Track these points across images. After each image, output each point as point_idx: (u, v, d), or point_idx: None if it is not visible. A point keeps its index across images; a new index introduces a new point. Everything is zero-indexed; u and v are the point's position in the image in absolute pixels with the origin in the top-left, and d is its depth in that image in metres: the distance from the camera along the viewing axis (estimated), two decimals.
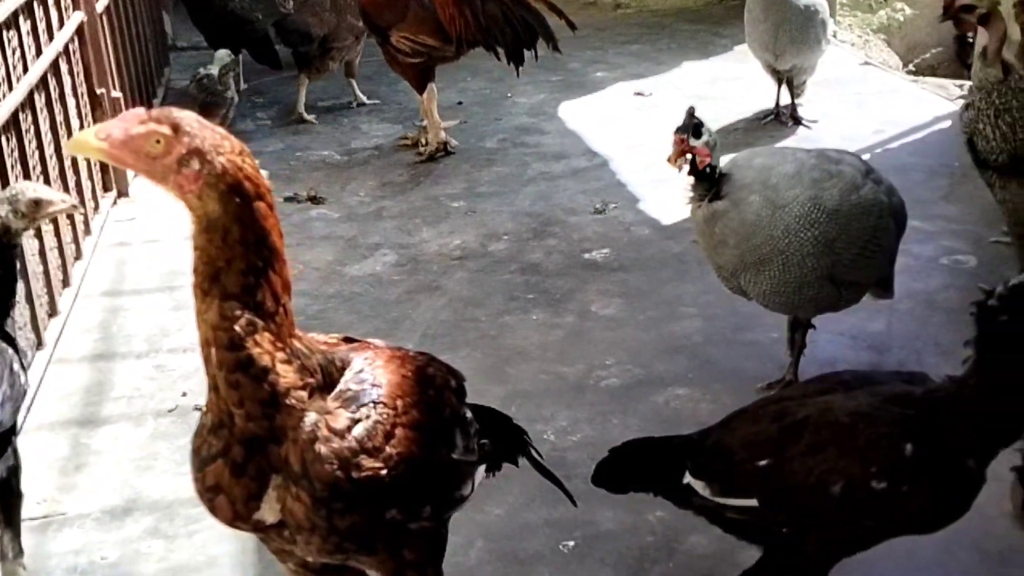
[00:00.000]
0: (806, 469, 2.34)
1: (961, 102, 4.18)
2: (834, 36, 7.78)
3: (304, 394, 1.85)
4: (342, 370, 1.96)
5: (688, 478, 2.55)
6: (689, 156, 3.27)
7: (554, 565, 2.99)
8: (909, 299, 4.22)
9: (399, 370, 2.02)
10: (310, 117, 6.79)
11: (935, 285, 4.34)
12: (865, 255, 3.40)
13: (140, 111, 1.78)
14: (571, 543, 3.06)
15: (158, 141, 1.73)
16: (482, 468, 2.32)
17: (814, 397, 2.47)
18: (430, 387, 2.08)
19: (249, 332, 1.79)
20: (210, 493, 1.91)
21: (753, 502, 2.44)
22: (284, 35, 6.80)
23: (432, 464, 2.01)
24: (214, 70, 6.16)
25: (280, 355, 1.82)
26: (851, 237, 3.35)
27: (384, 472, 1.88)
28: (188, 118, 1.77)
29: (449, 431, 2.11)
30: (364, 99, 7.02)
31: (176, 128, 1.74)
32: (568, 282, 4.59)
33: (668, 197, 4.91)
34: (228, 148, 1.77)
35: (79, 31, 5.15)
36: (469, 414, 2.25)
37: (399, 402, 1.95)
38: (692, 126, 3.25)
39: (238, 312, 1.79)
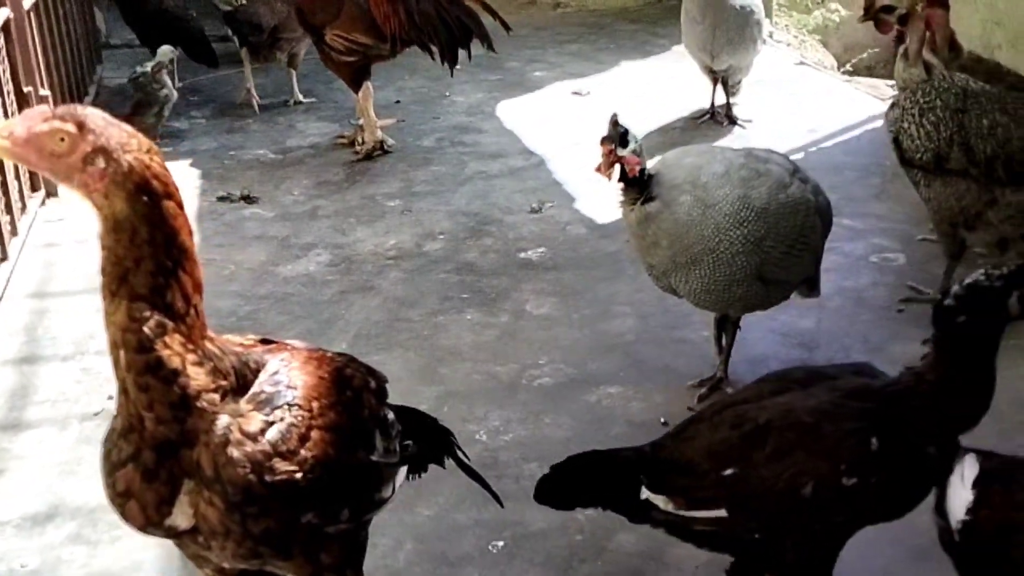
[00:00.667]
0: (774, 474, 2.31)
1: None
2: (770, 36, 7.86)
3: (216, 396, 1.82)
4: (257, 372, 1.93)
5: (646, 493, 2.47)
6: (619, 165, 3.26)
7: (483, 566, 2.98)
8: (839, 296, 4.27)
9: (316, 372, 2.00)
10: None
11: (864, 282, 4.39)
12: (793, 253, 3.43)
13: (44, 108, 1.73)
14: (500, 543, 3.05)
15: (62, 139, 1.70)
16: (404, 470, 2.30)
17: (771, 398, 2.44)
18: (348, 388, 2.06)
19: (158, 334, 1.76)
20: (121, 499, 1.87)
21: (722, 513, 2.38)
22: (235, 25, 6.78)
23: (350, 466, 1.99)
24: (152, 66, 6.09)
25: (191, 357, 1.79)
26: (779, 235, 3.38)
27: (299, 475, 1.86)
28: (94, 115, 1.73)
29: (368, 433, 2.08)
30: (301, 97, 6.97)
31: (81, 126, 1.70)
32: (503, 281, 4.58)
33: (604, 196, 4.92)
34: (135, 146, 1.74)
35: (5, 28, 5.05)
36: (391, 415, 2.23)
37: (315, 404, 1.93)
38: (619, 135, 3.24)
39: (147, 313, 1.75)
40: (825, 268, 4.33)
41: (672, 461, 2.48)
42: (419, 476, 2.60)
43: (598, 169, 3.30)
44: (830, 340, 3.97)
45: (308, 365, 2.00)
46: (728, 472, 2.36)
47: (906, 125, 3.94)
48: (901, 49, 4.05)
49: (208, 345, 1.84)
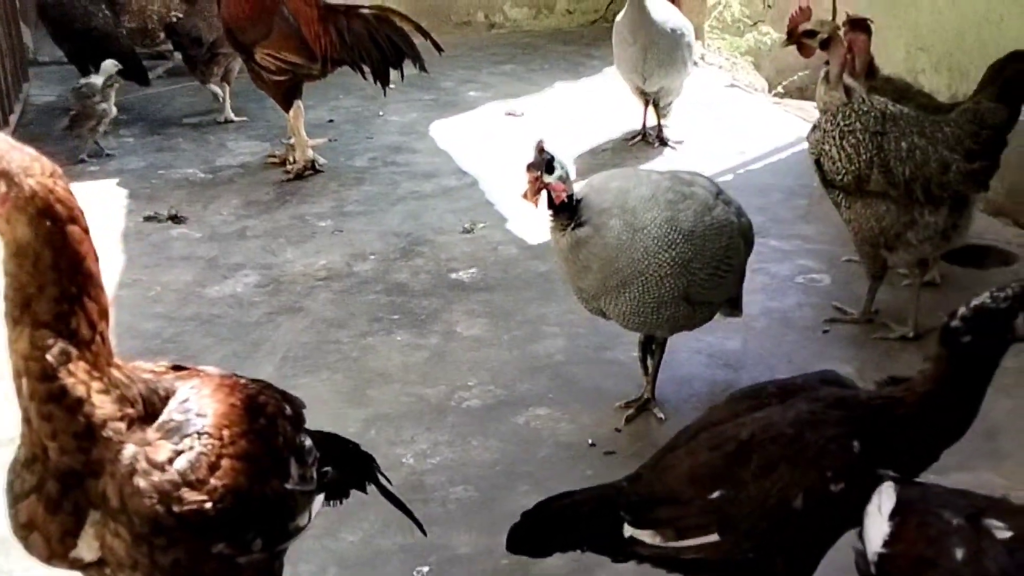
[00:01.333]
0: (763, 490, 2.29)
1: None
2: (702, 59, 7.96)
3: (122, 425, 1.78)
4: (166, 400, 1.90)
5: (630, 530, 2.41)
6: (545, 192, 3.27)
7: None
8: (765, 317, 4.31)
9: (227, 399, 1.96)
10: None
11: (790, 303, 4.44)
12: (718, 275, 3.46)
13: None
14: (426, 568, 3.02)
15: None
16: (320, 497, 2.27)
17: (747, 415, 2.42)
18: (261, 415, 2.03)
19: (62, 361, 1.72)
20: (24, 530, 1.82)
21: (714, 537, 2.34)
22: (175, 39, 6.78)
23: (262, 495, 1.95)
24: (98, 80, 6.06)
25: (96, 385, 1.75)
26: (705, 257, 3.41)
27: (209, 505, 1.82)
28: None
29: (282, 461, 2.05)
30: (232, 115, 6.90)
31: None
32: (434, 302, 4.56)
33: (536, 216, 4.93)
34: (38, 170, 1.70)
35: None
36: (308, 442, 2.20)
37: (226, 432, 1.89)
38: (544, 162, 3.24)
39: (50, 341, 1.71)
40: (752, 289, 4.40)
41: (653, 494, 2.42)
42: (341, 502, 2.57)
43: (524, 196, 3.29)
44: (755, 360, 4.01)
45: (219, 392, 1.97)
46: (716, 495, 2.32)
47: (827, 148, 4.00)
48: (822, 72, 4.12)
49: (115, 372, 1.80)
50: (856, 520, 2.32)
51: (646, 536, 2.40)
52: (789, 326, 4.27)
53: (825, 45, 4.04)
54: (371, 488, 2.66)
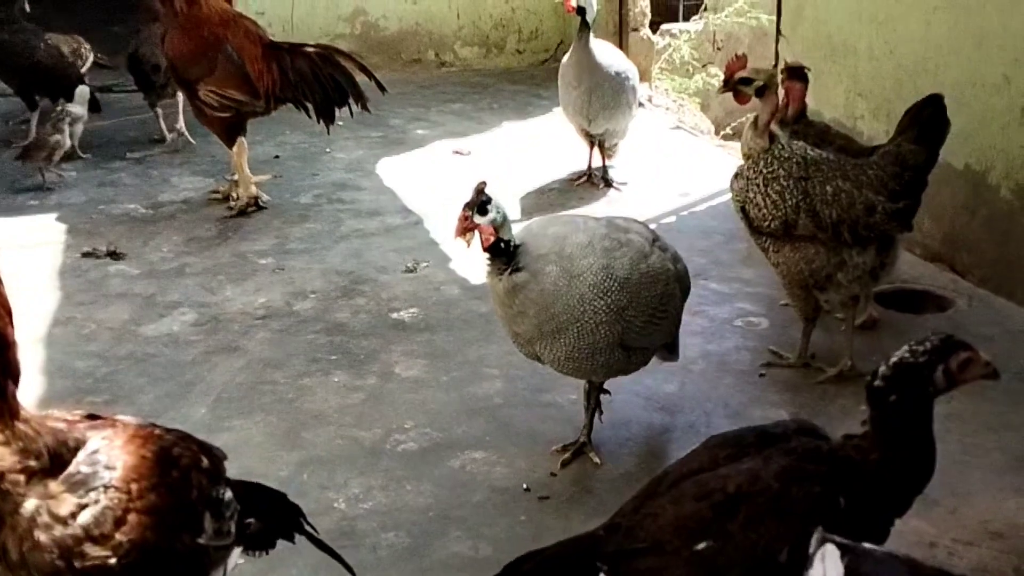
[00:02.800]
0: (750, 543, 2.27)
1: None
2: (649, 100, 8.04)
3: (21, 478, 1.74)
4: (76, 451, 1.86)
5: None
6: (475, 232, 3.27)
7: None
8: (703, 360, 4.33)
9: (139, 451, 1.92)
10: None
11: (728, 347, 4.46)
12: (653, 321, 3.47)
13: None
14: None
15: None
16: (238, 551, 2.23)
17: (731, 465, 2.39)
18: (174, 468, 1.99)
19: None
20: None
21: None
22: (137, 66, 6.78)
23: (172, 551, 1.92)
24: (78, 109, 6.28)
25: None
26: (641, 304, 3.41)
27: (112, 561, 1.78)
28: None
29: (195, 515, 2.01)
30: (168, 135, 6.94)
31: None
32: (373, 343, 4.53)
33: (479, 256, 4.94)
34: None
35: None
36: (227, 494, 2.17)
37: (134, 485, 1.86)
38: (478, 203, 3.24)
39: None
40: (691, 332, 4.43)
41: (634, 543, 2.36)
42: (266, 553, 2.54)
43: (455, 234, 3.30)
44: (692, 404, 4.01)
45: (131, 444, 1.93)
46: (701, 546, 2.29)
47: (752, 195, 4.04)
48: (751, 119, 4.16)
49: (20, 426, 1.76)
50: None
51: None
52: (726, 370, 4.28)
53: (760, 93, 4.08)
54: (293, 538, 2.61)
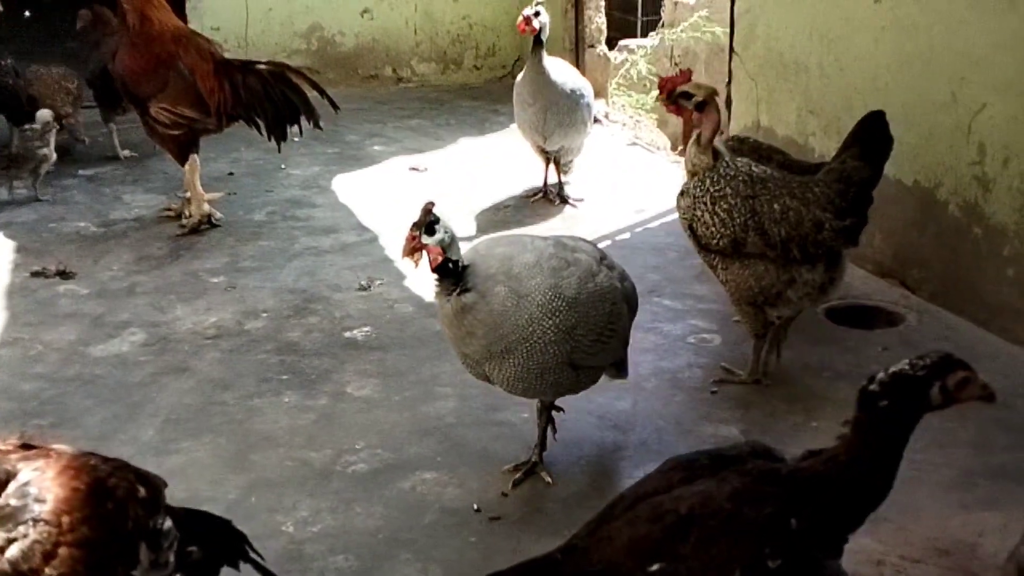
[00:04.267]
0: (702, 565, 2.27)
1: None
2: (606, 117, 8.07)
3: None
4: (6, 483, 1.83)
5: None
6: (423, 253, 3.26)
7: None
8: (655, 377, 4.33)
9: (71, 482, 1.89)
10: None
11: (680, 363, 4.47)
12: (602, 340, 3.47)
13: None
14: None
15: None
16: None
17: (684, 487, 2.40)
18: (108, 499, 1.96)
19: None
20: None
21: None
22: (106, 82, 6.60)
23: None
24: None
25: None
26: (589, 324, 3.41)
27: None
28: None
29: (131, 547, 1.98)
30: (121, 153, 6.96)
31: None
32: (325, 362, 4.50)
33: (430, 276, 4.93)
34: None
35: None
36: (167, 524, 2.14)
37: (65, 519, 1.82)
38: (426, 224, 3.23)
39: None
40: (644, 349, 4.44)
41: (590, 565, 2.37)
42: None
43: (402, 254, 3.30)
44: (644, 422, 4.02)
45: (63, 475, 1.90)
46: (654, 568, 2.29)
47: (699, 213, 4.06)
48: (694, 135, 4.19)
49: None
50: None
51: None
52: (679, 387, 4.29)
53: (700, 108, 4.11)
54: (238, 566, 2.59)
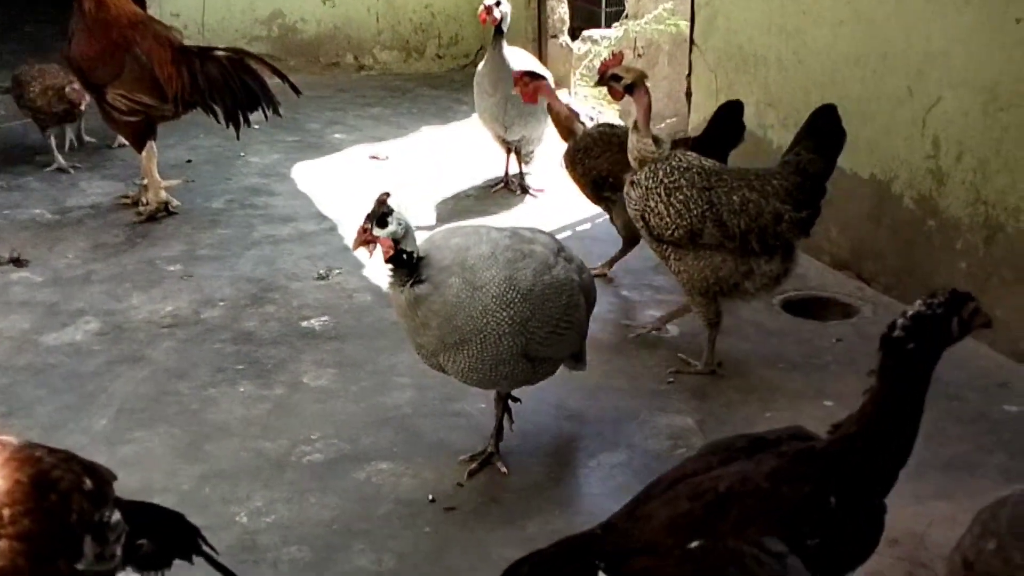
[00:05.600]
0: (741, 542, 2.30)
1: None
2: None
3: None
4: None
5: None
6: (375, 245, 3.25)
7: None
8: (613, 368, 4.34)
9: (13, 475, 1.87)
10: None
11: (638, 354, 4.46)
12: (558, 332, 3.47)
13: None
14: None
15: None
16: (122, 575, 2.18)
17: (722, 468, 2.43)
18: (52, 492, 1.94)
19: None
20: None
21: None
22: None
23: None
24: None
25: None
26: (544, 316, 3.41)
27: None
28: None
29: (75, 540, 1.96)
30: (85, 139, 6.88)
31: None
32: (282, 351, 4.48)
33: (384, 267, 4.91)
34: None
35: None
36: (114, 517, 2.12)
37: (6, 511, 1.81)
38: (378, 215, 3.22)
39: None
40: (601, 340, 4.45)
41: (629, 543, 2.39)
42: (161, 573, 2.49)
43: (354, 245, 3.30)
44: (601, 412, 4.03)
45: (5, 468, 1.88)
46: (694, 545, 2.31)
47: (652, 204, 4.08)
48: (631, 122, 4.22)
49: None
50: (828, 571, 2.38)
51: None
52: (635, 377, 4.30)
53: (630, 90, 4.15)
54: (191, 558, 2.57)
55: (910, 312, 2.35)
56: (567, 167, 5.17)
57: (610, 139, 4.96)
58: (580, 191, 5.23)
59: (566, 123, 5.20)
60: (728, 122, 4.74)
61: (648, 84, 4.21)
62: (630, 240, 5.06)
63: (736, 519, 2.32)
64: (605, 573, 2.38)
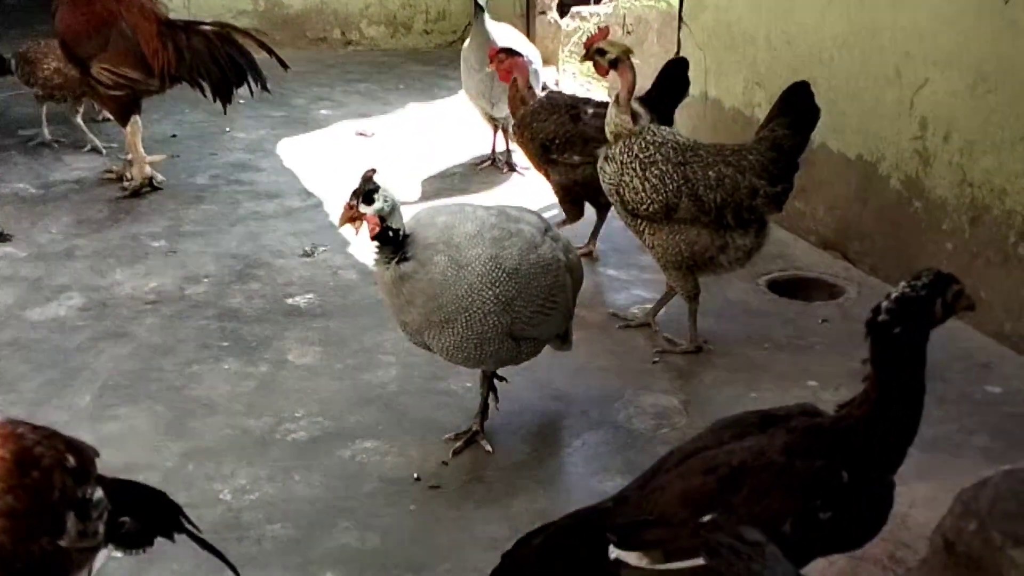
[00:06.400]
0: (754, 515, 2.30)
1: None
2: (556, 85, 8.03)
3: None
4: None
5: (616, 552, 2.37)
6: (361, 222, 3.23)
7: None
8: (599, 348, 4.34)
9: None
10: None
11: (624, 334, 4.46)
12: (543, 312, 3.47)
13: None
14: None
15: None
16: (105, 552, 2.18)
17: (735, 443, 2.44)
18: (34, 469, 1.93)
19: None
20: None
21: (702, 560, 2.28)
22: None
23: (28, 554, 1.86)
24: None
25: None
26: (530, 295, 3.40)
27: None
28: None
29: (57, 516, 1.96)
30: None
31: None
32: (266, 329, 4.47)
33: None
34: None
35: None
36: (97, 494, 2.11)
37: None
38: (365, 192, 3.20)
39: None
40: (587, 318, 4.45)
41: (642, 515, 2.41)
42: (144, 551, 2.48)
43: (340, 222, 3.28)
44: (586, 392, 4.03)
45: None
46: (707, 518, 2.33)
47: (627, 179, 4.09)
48: (612, 96, 4.21)
49: None
50: (839, 546, 2.41)
51: (632, 558, 2.38)
52: (621, 357, 4.30)
53: (614, 65, 4.15)
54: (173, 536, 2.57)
55: (894, 295, 2.34)
56: (517, 134, 5.24)
57: (556, 103, 5.08)
58: (528, 158, 5.29)
59: (521, 98, 5.22)
60: (673, 79, 4.74)
61: (634, 60, 4.20)
62: (572, 203, 5.11)
63: (749, 492, 2.34)
64: (617, 545, 2.40)
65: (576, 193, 5.05)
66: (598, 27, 4.49)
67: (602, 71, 4.27)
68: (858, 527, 2.43)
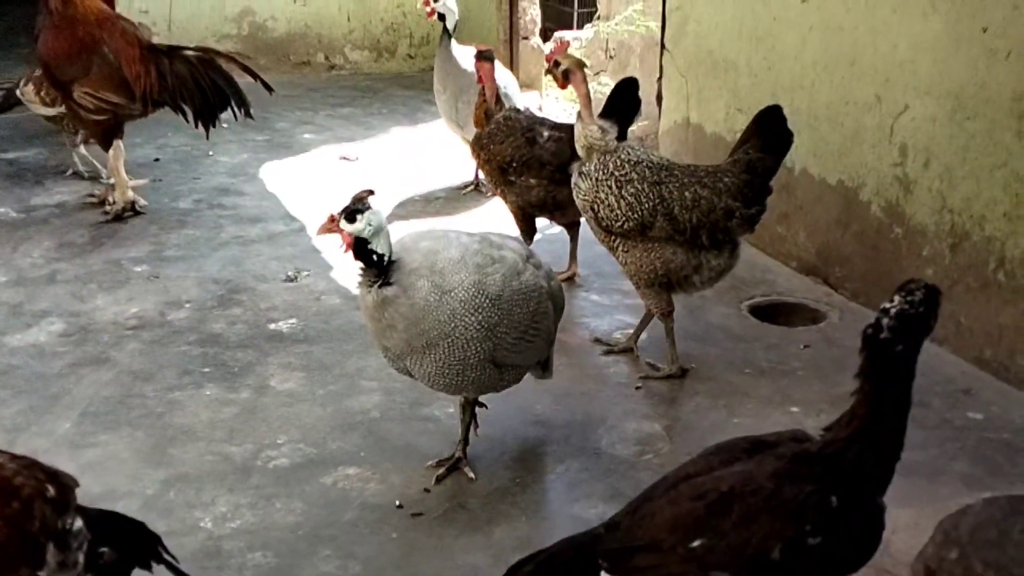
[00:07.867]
0: (743, 541, 2.32)
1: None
2: (539, 109, 8.06)
3: None
4: None
5: None
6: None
7: None
8: (581, 373, 4.34)
9: None
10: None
11: (606, 359, 4.47)
12: (526, 339, 3.47)
13: None
14: None
15: None
16: None
17: (724, 468, 2.45)
18: (14, 499, 1.92)
19: None
20: None
21: None
22: None
23: None
24: None
25: None
26: (512, 322, 3.41)
27: None
28: None
29: (37, 547, 1.95)
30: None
31: None
32: (249, 354, 4.45)
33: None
34: None
35: None
36: (77, 524, 2.10)
37: None
38: (349, 211, 3.22)
39: None
40: (570, 343, 4.45)
41: (632, 541, 2.44)
42: None
43: (318, 232, 3.35)
44: (568, 418, 4.03)
45: None
46: (696, 543, 2.35)
47: (603, 196, 4.12)
48: (576, 113, 4.26)
49: None
50: (829, 572, 2.41)
51: None
52: (603, 382, 4.31)
53: (566, 76, 4.22)
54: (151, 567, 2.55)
55: (893, 311, 2.33)
56: (473, 153, 5.22)
57: (513, 125, 5.04)
58: (486, 176, 5.27)
59: (486, 111, 5.14)
60: (624, 98, 4.60)
61: (587, 71, 4.26)
62: (526, 223, 5.13)
63: (738, 518, 2.35)
64: (608, 571, 2.43)
65: (530, 214, 5.08)
66: (559, 40, 4.55)
67: (560, 84, 4.35)
68: (849, 552, 2.44)
